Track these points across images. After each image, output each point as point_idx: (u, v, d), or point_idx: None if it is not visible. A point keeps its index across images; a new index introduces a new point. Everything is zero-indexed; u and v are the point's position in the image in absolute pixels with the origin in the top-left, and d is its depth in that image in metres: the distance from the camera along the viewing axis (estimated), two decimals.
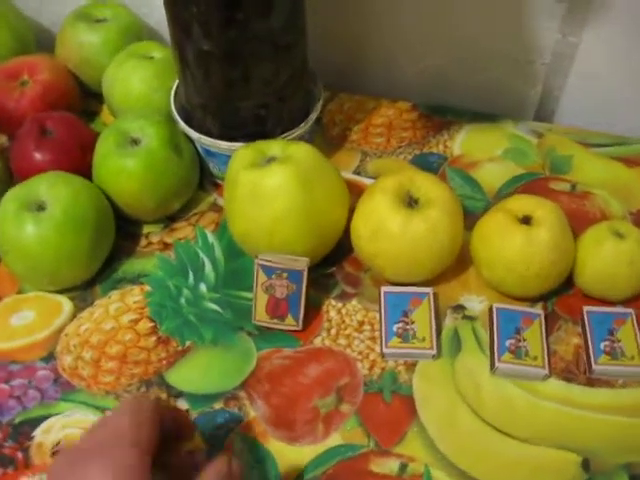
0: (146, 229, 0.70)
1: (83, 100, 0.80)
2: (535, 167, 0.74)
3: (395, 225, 0.58)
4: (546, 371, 0.58)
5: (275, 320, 0.61)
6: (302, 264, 0.59)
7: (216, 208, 0.71)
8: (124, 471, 0.40)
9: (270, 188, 0.58)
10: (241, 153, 0.61)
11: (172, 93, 0.70)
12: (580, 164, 0.75)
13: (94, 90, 0.79)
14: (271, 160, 0.60)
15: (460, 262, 0.64)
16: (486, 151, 0.76)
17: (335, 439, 0.56)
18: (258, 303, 0.61)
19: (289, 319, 0.61)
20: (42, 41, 0.85)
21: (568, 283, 0.63)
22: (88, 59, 0.78)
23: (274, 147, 0.61)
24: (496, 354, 0.58)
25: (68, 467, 0.41)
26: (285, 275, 0.59)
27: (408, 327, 0.60)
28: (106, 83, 0.75)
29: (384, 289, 0.62)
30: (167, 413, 0.48)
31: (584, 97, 0.80)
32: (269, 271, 0.59)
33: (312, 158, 0.60)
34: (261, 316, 0.61)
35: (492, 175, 0.73)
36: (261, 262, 0.59)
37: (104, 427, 0.44)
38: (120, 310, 0.64)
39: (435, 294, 0.63)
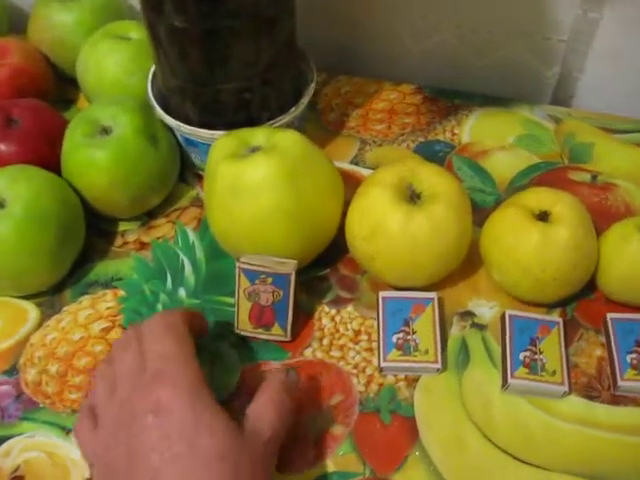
0: (122, 227, 0.64)
1: (58, 86, 0.74)
2: (552, 156, 0.68)
3: (395, 223, 0.52)
4: (565, 388, 0.51)
5: (260, 330, 0.55)
6: (289, 267, 0.52)
7: (199, 203, 0.65)
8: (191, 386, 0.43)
9: (252, 182, 0.51)
10: (221, 142, 0.54)
11: (149, 77, 0.63)
12: (602, 152, 0.68)
13: (70, 75, 0.72)
14: (255, 150, 0.53)
15: (468, 262, 0.57)
16: (498, 138, 0.69)
17: (327, 466, 0.50)
18: (241, 311, 0.54)
19: (276, 328, 0.54)
20: (18, 23, 0.78)
21: (590, 286, 0.56)
22: (61, 41, 0.71)
23: (258, 135, 0.55)
24: (509, 369, 0.52)
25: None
26: (270, 280, 0.53)
27: (409, 338, 0.53)
28: (80, 67, 0.68)
29: (382, 294, 0.55)
30: (191, 318, 0.49)
31: (606, 78, 0.73)
32: (252, 275, 0.53)
33: (300, 147, 0.53)
34: (244, 325, 0.55)
35: (504, 165, 0.67)
36: (243, 265, 0.53)
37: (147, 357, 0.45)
38: (90, 318, 0.58)
39: (440, 299, 0.56)
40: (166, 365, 0.44)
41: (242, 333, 0.55)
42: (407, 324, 0.54)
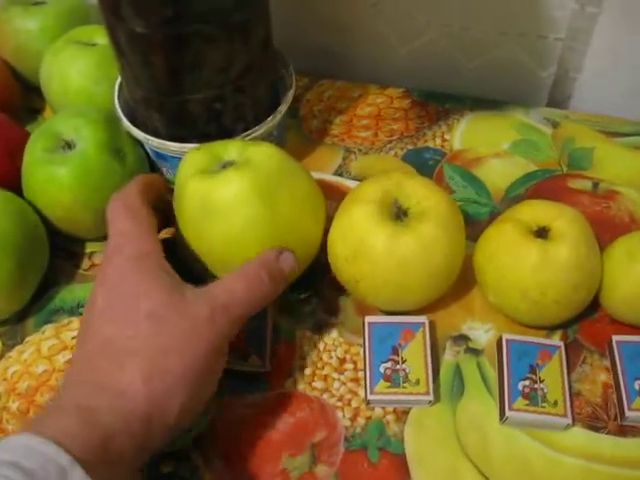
0: (89, 248, 0.59)
1: (24, 95, 0.70)
2: (550, 163, 0.63)
3: (379, 243, 0.47)
4: (569, 420, 0.47)
5: (236, 361, 0.50)
6: None
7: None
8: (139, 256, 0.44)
9: (223, 200, 0.47)
10: (191, 157, 0.50)
11: (116, 86, 0.59)
12: (603, 158, 0.64)
13: (35, 84, 0.67)
14: (226, 165, 0.49)
15: (461, 281, 0.53)
16: (491, 144, 0.65)
17: None
18: None
19: (253, 359, 0.50)
20: None
21: (593, 305, 0.52)
22: (25, 48, 0.67)
23: (231, 149, 0.50)
24: (507, 400, 0.48)
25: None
26: None
27: (398, 367, 0.49)
28: (43, 75, 0.64)
29: (369, 319, 0.51)
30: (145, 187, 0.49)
31: (605, 78, 0.69)
32: None
33: (276, 161, 0.49)
34: None
35: (499, 174, 0.62)
36: None
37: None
38: (54, 349, 0.54)
39: (432, 323, 0.52)
40: (123, 239, 0.45)
41: None
42: (396, 352, 0.50)
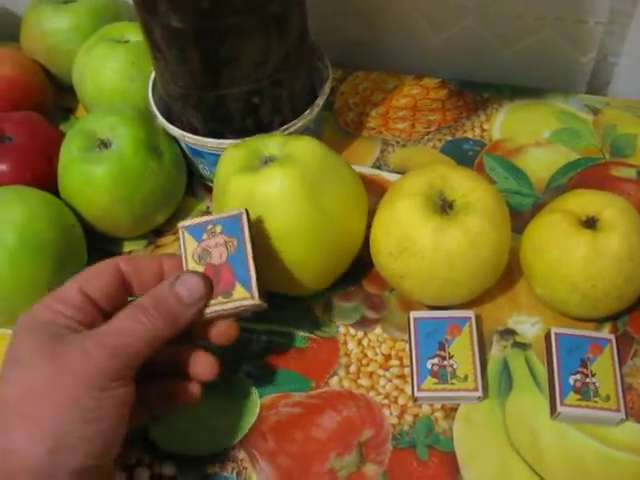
0: (127, 247, 0.59)
1: (57, 95, 0.69)
2: (592, 150, 0.62)
3: (426, 238, 0.46)
4: (622, 414, 0.46)
5: (220, 299, 0.43)
6: (239, 210, 0.44)
7: None
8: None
9: (268, 197, 0.46)
10: (230, 154, 0.49)
11: (150, 83, 0.58)
12: None
13: (69, 84, 0.67)
14: (268, 161, 0.48)
15: (507, 274, 0.52)
16: (532, 133, 0.63)
17: None
18: None
19: (238, 290, 0.43)
20: (12, 30, 0.73)
21: None
22: (56, 48, 0.66)
23: (271, 144, 0.49)
24: (558, 395, 0.46)
25: None
26: (219, 228, 0.44)
27: (446, 363, 0.48)
28: (76, 75, 0.63)
29: (414, 315, 0.50)
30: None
31: None
32: (198, 231, 0.44)
33: (319, 155, 0.48)
34: None
35: (541, 163, 0.61)
36: (184, 224, 0.44)
37: None
38: None
39: (478, 317, 0.51)
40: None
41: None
42: (443, 347, 0.48)
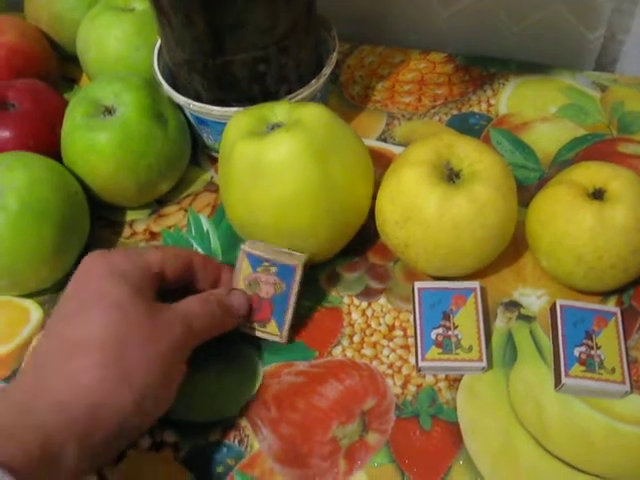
0: (130, 216, 0.58)
1: (60, 65, 0.69)
2: (599, 127, 0.61)
3: (431, 206, 0.46)
4: (627, 387, 0.46)
5: (255, 324, 0.49)
6: (297, 259, 0.48)
7: (213, 187, 0.59)
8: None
9: (274, 163, 0.46)
10: (237, 120, 0.49)
11: (155, 51, 0.58)
12: None
13: (72, 53, 0.66)
14: (275, 127, 0.47)
15: (512, 246, 0.52)
16: (538, 109, 0.63)
17: (360, 479, 0.44)
18: None
19: (272, 326, 0.49)
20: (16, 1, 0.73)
21: None
22: (60, 16, 0.66)
23: (278, 111, 0.49)
24: (562, 367, 0.46)
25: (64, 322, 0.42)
26: (274, 269, 0.48)
27: (450, 333, 0.48)
28: (80, 44, 0.63)
29: (418, 285, 0.50)
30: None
31: None
32: (256, 262, 0.48)
33: (327, 122, 0.47)
34: None
35: (547, 138, 0.61)
36: (247, 249, 0.48)
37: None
38: None
39: (483, 289, 0.51)
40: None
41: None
42: (447, 318, 0.48)
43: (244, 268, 0.48)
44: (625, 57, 0.69)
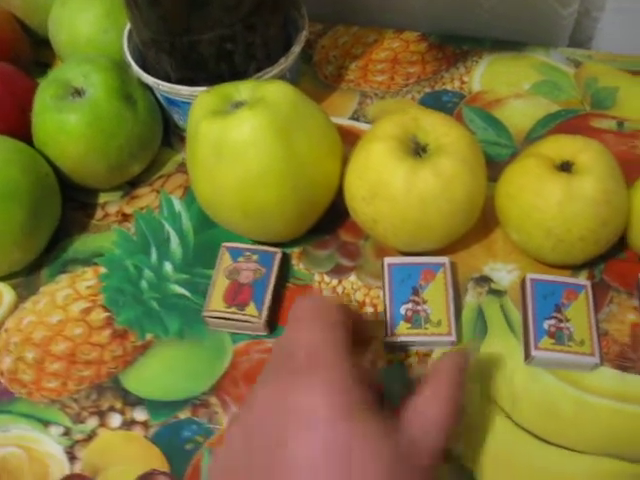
0: (102, 198, 0.58)
1: (35, 49, 0.68)
2: (573, 102, 0.61)
3: (398, 180, 0.46)
4: (596, 359, 0.46)
5: (233, 309, 0.48)
6: (277, 249, 0.50)
7: (184, 169, 0.59)
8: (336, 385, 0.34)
9: (238, 141, 0.45)
10: (202, 99, 0.48)
11: (125, 33, 0.57)
12: (627, 97, 0.61)
13: (45, 37, 0.66)
14: (239, 105, 0.47)
15: (482, 221, 0.52)
16: (512, 85, 0.63)
17: None
18: (215, 290, 0.49)
19: (250, 308, 0.48)
20: None
21: (620, 244, 0.50)
22: (33, 1, 0.66)
23: (243, 89, 0.49)
24: (532, 339, 0.46)
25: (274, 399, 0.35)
26: (255, 257, 0.50)
27: (419, 308, 0.48)
28: (51, 28, 0.63)
29: (388, 261, 0.50)
30: (352, 316, 0.41)
31: (627, 17, 0.65)
32: (236, 253, 0.50)
33: (291, 99, 0.47)
34: (217, 305, 0.49)
35: (520, 115, 0.60)
36: (229, 245, 0.52)
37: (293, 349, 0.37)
38: (69, 298, 0.53)
39: (452, 264, 0.51)
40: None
41: (210, 316, 0.49)
42: (416, 293, 0.48)
43: (224, 261, 0.50)
44: (600, 34, 0.68)
